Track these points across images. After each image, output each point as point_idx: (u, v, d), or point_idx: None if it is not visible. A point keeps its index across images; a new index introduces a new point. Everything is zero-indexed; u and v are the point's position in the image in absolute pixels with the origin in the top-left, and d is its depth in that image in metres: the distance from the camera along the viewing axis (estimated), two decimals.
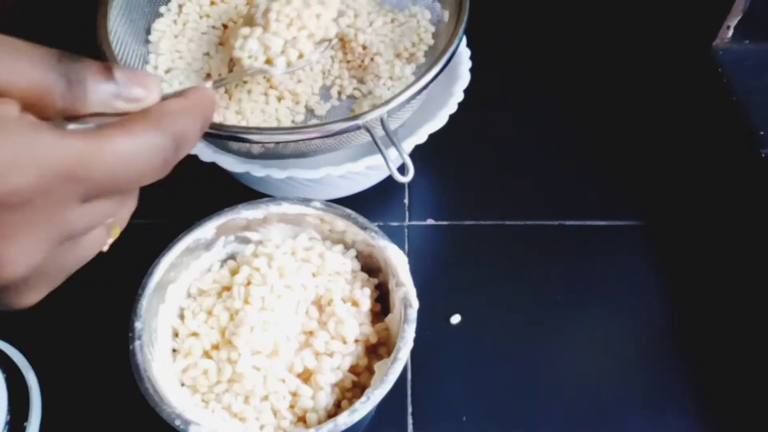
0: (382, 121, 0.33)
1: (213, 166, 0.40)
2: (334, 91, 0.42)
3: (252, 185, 0.44)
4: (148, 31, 0.43)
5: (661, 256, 0.42)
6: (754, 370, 0.37)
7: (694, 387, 0.37)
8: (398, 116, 0.38)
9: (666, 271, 0.41)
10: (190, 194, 0.46)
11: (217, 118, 0.40)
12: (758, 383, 0.36)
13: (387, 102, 0.34)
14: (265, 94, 0.42)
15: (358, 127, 0.33)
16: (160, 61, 0.42)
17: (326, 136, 0.34)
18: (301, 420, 0.30)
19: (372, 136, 0.33)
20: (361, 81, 0.42)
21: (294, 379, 0.30)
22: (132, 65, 0.40)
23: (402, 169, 0.32)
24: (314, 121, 0.41)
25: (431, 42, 0.43)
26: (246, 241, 0.35)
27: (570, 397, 0.36)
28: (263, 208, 0.34)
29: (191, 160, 0.41)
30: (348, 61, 0.43)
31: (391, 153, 0.33)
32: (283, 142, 0.35)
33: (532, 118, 0.52)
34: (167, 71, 0.42)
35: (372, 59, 0.42)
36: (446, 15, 0.43)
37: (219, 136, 0.35)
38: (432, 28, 0.44)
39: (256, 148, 0.36)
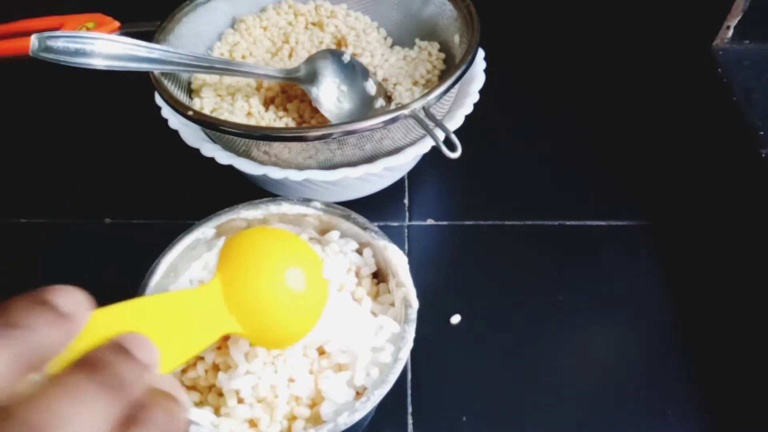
0: (425, 109, 0.37)
1: (212, 166, 0.40)
2: None
3: (265, 186, 0.44)
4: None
5: (661, 256, 0.42)
6: (754, 370, 0.37)
7: (695, 387, 0.36)
8: (435, 109, 0.40)
9: (666, 271, 0.41)
10: (190, 194, 0.46)
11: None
12: (759, 384, 0.36)
13: (429, 92, 0.37)
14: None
15: (406, 116, 0.37)
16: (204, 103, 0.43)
17: (382, 125, 0.36)
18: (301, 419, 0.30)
19: (419, 121, 0.36)
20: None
21: (297, 381, 0.30)
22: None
23: (450, 148, 0.35)
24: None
25: (443, 67, 0.46)
26: None
27: (570, 397, 0.36)
28: (263, 208, 0.34)
29: (191, 160, 0.41)
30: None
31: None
32: (347, 133, 0.36)
33: (531, 118, 0.52)
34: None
35: (393, 87, 0.45)
36: (456, 38, 0.45)
37: (273, 138, 0.37)
38: (442, 56, 0.46)
39: (310, 153, 0.38)
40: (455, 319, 0.39)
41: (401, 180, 0.47)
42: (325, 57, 0.43)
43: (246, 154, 0.39)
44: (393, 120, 0.36)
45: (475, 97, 0.42)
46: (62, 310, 0.18)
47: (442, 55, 0.46)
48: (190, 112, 0.38)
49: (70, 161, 0.49)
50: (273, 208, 0.34)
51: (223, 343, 0.31)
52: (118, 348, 0.19)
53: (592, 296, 0.41)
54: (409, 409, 0.36)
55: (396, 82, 0.45)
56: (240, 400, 0.30)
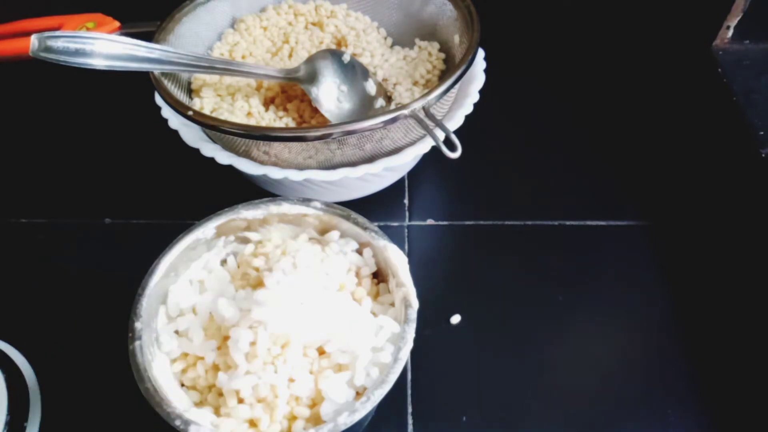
0: (425, 109, 0.37)
1: (212, 166, 0.40)
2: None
3: (265, 186, 0.44)
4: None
5: (661, 256, 0.42)
6: (755, 370, 0.37)
7: (696, 387, 0.37)
8: (435, 109, 0.39)
9: (666, 271, 0.41)
10: (190, 194, 0.46)
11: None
12: (759, 383, 0.36)
13: (429, 92, 0.37)
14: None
15: (406, 116, 0.37)
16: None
17: (382, 125, 0.36)
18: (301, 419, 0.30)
19: (419, 121, 0.37)
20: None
21: (297, 381, 0.30)
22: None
23: (450, 148, 0.35)
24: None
25: (443, 67, 0.46)
26: (246, 241, 0.35)
27: (570, 396, 0.36)
28: (263, 208, 0.34)
29: (191, 160, 0.41)
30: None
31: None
32: (347, 133, 0.36)
33: (531, 118, 0.52)
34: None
35: (393, 87, 0.45)
36: (456, 38, 0.45)
37: (273, 138, 0.37)
38: (442, 56, 0.46)
39: (309, 153, 0.38)
40: (455, 319, 0.39)
41: (401, 180, 0.47)
42: (325, 57, 0.43)
43: (246, 154, 0.39)
44: (393, 120, 0.36)
45: (475, 97, 0.42)
46: None
47: (442, 55, 0.46)
48: (190, 112, 0.38)
49: (70, 161, 0.49)
50: (273, 208, 0.34)
51: (223, 343, 0.31)
52: None
53: (592, 296, 0.41)
54: (409, 409, 0.36)
55: (396, 82, 0.45)
56: (240, 400, 0.30)
